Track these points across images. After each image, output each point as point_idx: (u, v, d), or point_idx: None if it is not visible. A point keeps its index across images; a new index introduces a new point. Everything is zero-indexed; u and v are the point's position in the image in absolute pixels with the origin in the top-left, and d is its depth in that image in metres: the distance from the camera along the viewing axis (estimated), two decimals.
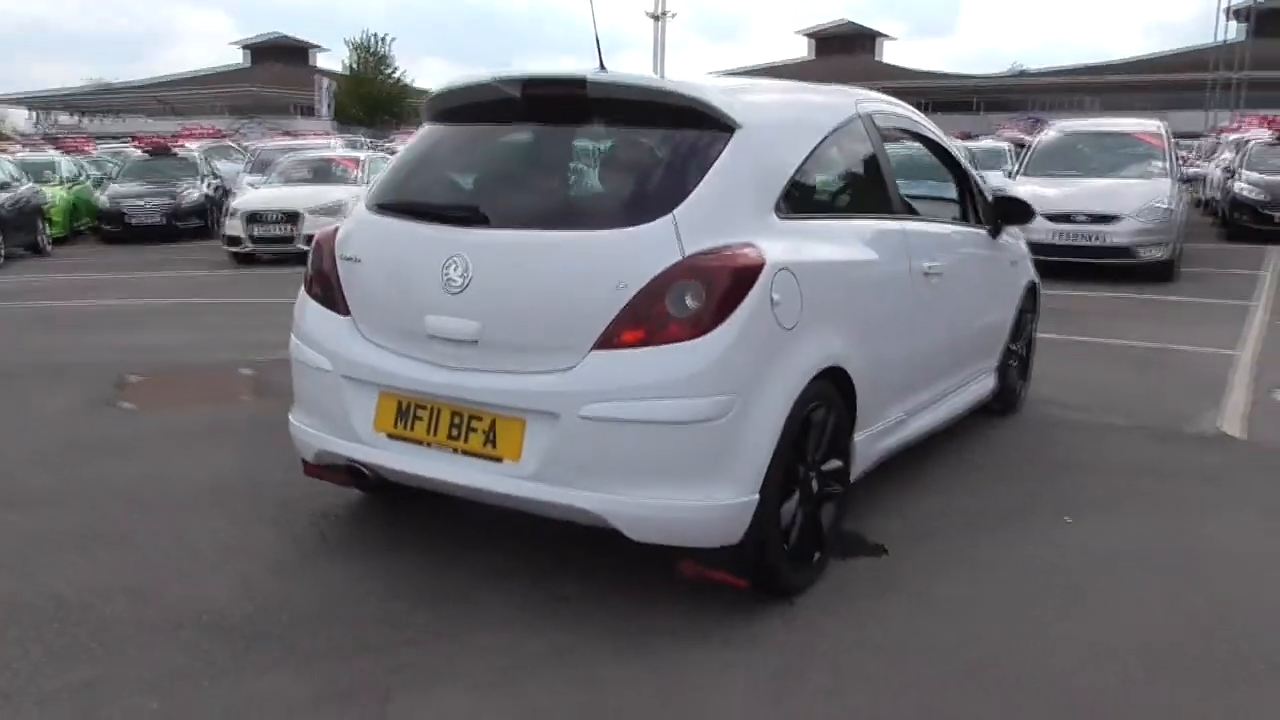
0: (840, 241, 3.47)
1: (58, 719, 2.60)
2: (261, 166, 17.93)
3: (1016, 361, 5.38)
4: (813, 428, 3.20)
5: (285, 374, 6.14)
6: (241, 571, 3.50)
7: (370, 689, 2.72)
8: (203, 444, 4.93)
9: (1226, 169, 16.18)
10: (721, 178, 3.04)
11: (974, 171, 4.89)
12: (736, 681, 2.77)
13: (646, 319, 2.88)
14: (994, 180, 12.38)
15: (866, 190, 3.88)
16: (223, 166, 20.32)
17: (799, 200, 3.32)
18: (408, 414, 3.24)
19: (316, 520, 3.94)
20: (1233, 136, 18.70)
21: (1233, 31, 44.58)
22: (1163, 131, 12.40)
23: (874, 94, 4.12)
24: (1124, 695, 2.72)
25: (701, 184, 3.01)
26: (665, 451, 2.88)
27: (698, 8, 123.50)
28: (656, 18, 44.86)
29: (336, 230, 3.61)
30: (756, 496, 2.94)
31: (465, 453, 3.12)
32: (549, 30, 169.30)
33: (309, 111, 56.01)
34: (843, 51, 63.21)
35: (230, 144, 24.91)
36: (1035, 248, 6.09)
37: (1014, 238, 5.18)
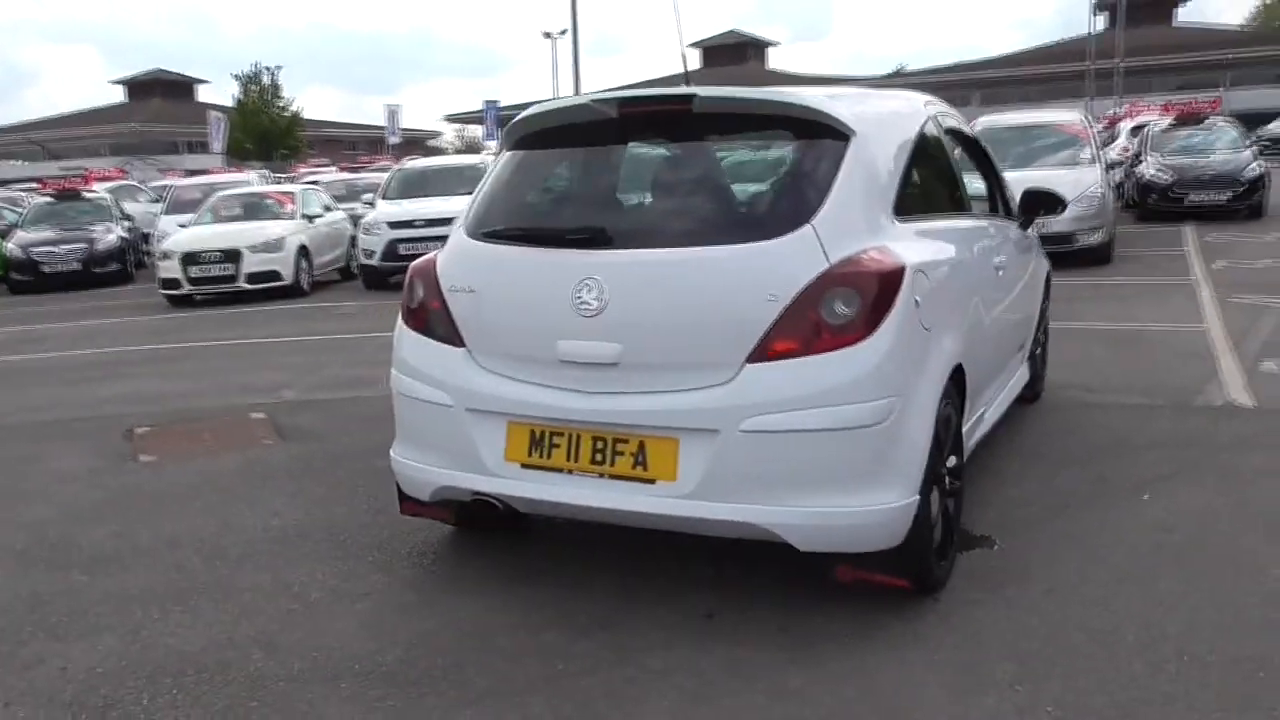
0: (945, 240, 3.57)
1: None
2: (181, 205, 17.35)
3: (1039, 349, 5.59)
4: (948, 426, 3.28)
5: (301, 416, 6.10)
6: (365, 615, 3.41)
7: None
8: (252, 491, 4.76)
9: (1135, 154, 16.98)
10: (848, 185, 3.10)
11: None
12: (924, 679, 2.82)
13: (801, 329, 2.91)
14: None
15: (948, 190, 4.00)
16: (129, 207, 19.55)
17: (906, 203, 3.40)
18: (542, 442, 3.20)
19: (416, 559, 3.85)
20: (1130, 123, 19.70)
21: (1096, 24, 47.07)
22: (1084, 121, 13.00)
23: (929, 96, 4.24)
24: None
25: (832, 192, 3.07)
26: (831, 459, 2.91)
27: (584, 24, 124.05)
28: (551, 36, 44.98)
29: (434, 262, 3.54)
30: (917, 497, 3.01)
31: (612, 476, 3.10)
32: (435, 53, 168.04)
33: (199, 147, 54.25)
34: (732, 61, 64.22)
35: (136, 184, 23.97)
36: None
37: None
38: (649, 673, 2.91)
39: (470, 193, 13.84)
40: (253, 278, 12.94)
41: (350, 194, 17.17)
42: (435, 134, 74.01)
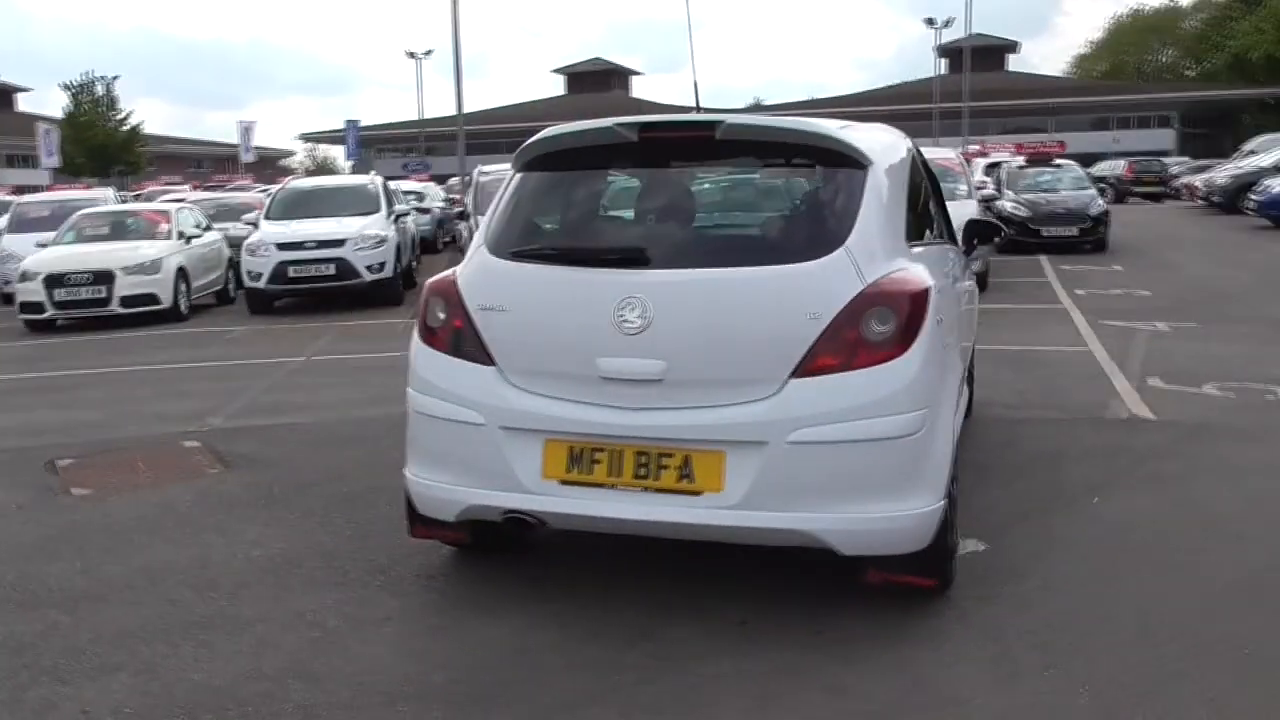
0: (939, 264, 3.83)
1: None
2: (28, 224, 16.22)
3: (971, 369, 5.98)
4: (956, 435, 3.52)
5: (239, 444, 5.93)
6: (394, 639, 3.37)
7: None
8: (218, 521, 4.58)
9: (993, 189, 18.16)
10: (872, 210, 3.31)
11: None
12: (964, 670, 3.03)
13: (841, 345, 3.10)
14: None
15: (930, 216, 4.29)
16: None
17: (911, 228, 3.64)
18: (582, 458, 3.26)
19: (425, 582, 3.82)
20: (984, 161, 21.08)
21: (940, 67, 50.12)
22: (958, 158, 13.89)
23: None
24: None
25: (859, 217, 3.27)
26: (871, 468, 3.10)
27: (443, 45, 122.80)
28: (417, 56, 44.50)
29: (454, 281, 3.55)
30: (944, 501, 3.23)
31: (657, 490, 3.19)
32: (279, 68, 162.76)
33: (23, 161, 50.74)
34: (595, 88, 65.13)
35: None
36: None
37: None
38: (707, 679, 3.01)
39: (365, 213, 13.59)
40: (127, 301, 12.24)
41: (222, 214, 16.47)
42: (289, 153, 71.70)
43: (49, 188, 27.70)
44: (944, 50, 49.03)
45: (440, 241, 21.88)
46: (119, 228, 13.83)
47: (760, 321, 3.14)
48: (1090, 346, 8.39)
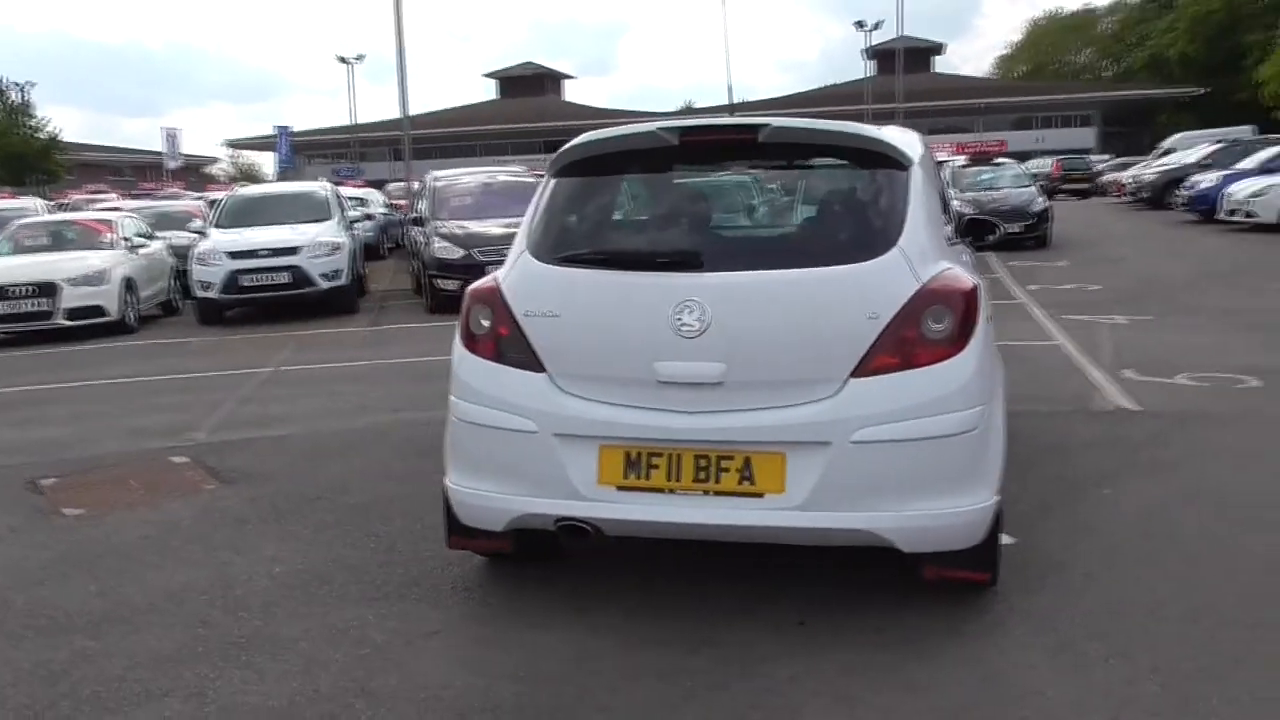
0: (969, 261, 3.88)
1: None
2: None
3: None
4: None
5: (229, 458, 5.76)
6: (447, 653, 3.30)
7: None
8: (230, 539, 4.43)
9: None
10: (920, 211, 3.34)
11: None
12: (1030, 661, 3.07)
13: (901, 344, 3.12)
14: None
15: (949, 214, 4.34)
16: None
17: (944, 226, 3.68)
18: (639, 463, 3.23)
19: (464, 594, 3.75)
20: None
21: (869, 69, 51.01)
22: None
23: None
24: None
25: (908, 217, 3.30)
26: (934, 465, 3.12)
27: (372, 51, 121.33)
28: (348, 61, 43.82)
29: (497, 287, 3.48)
30: (999, 497, 3.26)
31: (717, 493, 3.17)
32: (193, 71, 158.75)
33: None
34: (528, 92, 64.75)
35: None
36: None
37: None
38: (782, 681, 3.00)
39: (318, 220, 13.35)
40: (73, 313, 11.81)
41: (163, 222, 16.00)
42: (213, 159, 69.94)
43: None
44: (873, 52, 49.90)
45: (384, 247, 21.58)
46: (59, 238, 13.36)
47: (819, 322, 3.14)
48: (1058, 340, 8.60)
